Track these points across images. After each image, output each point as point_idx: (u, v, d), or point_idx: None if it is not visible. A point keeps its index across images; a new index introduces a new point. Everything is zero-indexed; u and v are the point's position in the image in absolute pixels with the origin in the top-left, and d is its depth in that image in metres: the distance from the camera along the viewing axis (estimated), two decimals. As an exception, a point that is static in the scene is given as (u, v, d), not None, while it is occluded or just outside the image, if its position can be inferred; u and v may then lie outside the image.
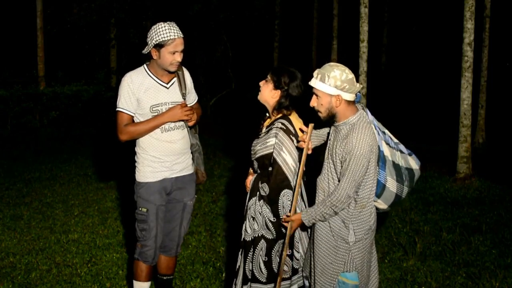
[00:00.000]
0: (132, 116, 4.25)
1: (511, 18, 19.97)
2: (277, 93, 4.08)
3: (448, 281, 5.20)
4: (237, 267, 4.18)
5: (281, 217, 3.95)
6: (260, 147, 4.05)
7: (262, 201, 3.99)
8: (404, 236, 6.40)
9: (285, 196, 3.96)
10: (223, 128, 15.06)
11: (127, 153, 5.57)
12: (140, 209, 4.30)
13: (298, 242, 4.12)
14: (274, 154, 3.94)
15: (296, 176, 3.96)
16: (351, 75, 3.57)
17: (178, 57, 4.16)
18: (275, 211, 3.96)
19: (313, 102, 3.72)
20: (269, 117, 4.23)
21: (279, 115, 4.11)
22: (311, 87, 3.67)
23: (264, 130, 4.16)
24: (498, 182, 8.79)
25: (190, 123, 4.38)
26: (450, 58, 19.10)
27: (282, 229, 3.96)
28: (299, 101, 4.16)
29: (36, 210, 7.66)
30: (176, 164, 4.36)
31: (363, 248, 3.66)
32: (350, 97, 3.59)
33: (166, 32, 4.07)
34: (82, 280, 5.32)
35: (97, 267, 5.63)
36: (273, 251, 4.00)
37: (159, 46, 4.11)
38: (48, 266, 5.65)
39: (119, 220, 7.14)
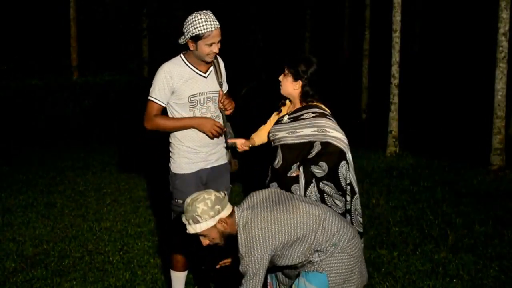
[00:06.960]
0: (163, 107, 4.26)
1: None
2: (298, 83, 4.13)
3: (481, 274, 5.14)
4: None
5: (343, 186, 4.03)
6: (290, 135, 4.11)
7: (322, 182, 4.00)
8: (435, 228, 6.34)
9: (343, 168, 4.02)
10: (255, 119, 15.03)
11: (159, 142, 5.62)
12: (176, 200, 4.30)
13: None
14: (319, 139, 4.01)
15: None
16: (212, 196, 3.40)
17: (215, 48, 4.11)
18: (338, 185, 4.01)
19: (205, 243, 3.47)
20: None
21: (305, 105, 4.15)
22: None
23: (287, 117, 4.22)
24: (533, 175, 8.64)
25: (227, 112, 4.38)
26: (484, 48, 18.79)
27: (348, 197, 4.05)
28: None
29: (69, 198, 7.76)
30: (212, 154, 4.34)
31: None
32: (228, 210, 3.44)
33: (203, 25, 3.99)
34: (114, 268, 5.39)
35: (128, 255, 5.70)
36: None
37: (195, 38, 4.05)
38: (80, 254, 5.73)
39: (150, 209, 7.20)
